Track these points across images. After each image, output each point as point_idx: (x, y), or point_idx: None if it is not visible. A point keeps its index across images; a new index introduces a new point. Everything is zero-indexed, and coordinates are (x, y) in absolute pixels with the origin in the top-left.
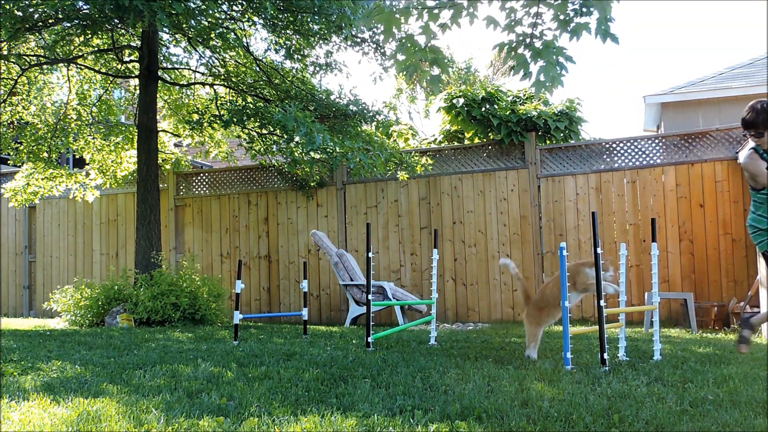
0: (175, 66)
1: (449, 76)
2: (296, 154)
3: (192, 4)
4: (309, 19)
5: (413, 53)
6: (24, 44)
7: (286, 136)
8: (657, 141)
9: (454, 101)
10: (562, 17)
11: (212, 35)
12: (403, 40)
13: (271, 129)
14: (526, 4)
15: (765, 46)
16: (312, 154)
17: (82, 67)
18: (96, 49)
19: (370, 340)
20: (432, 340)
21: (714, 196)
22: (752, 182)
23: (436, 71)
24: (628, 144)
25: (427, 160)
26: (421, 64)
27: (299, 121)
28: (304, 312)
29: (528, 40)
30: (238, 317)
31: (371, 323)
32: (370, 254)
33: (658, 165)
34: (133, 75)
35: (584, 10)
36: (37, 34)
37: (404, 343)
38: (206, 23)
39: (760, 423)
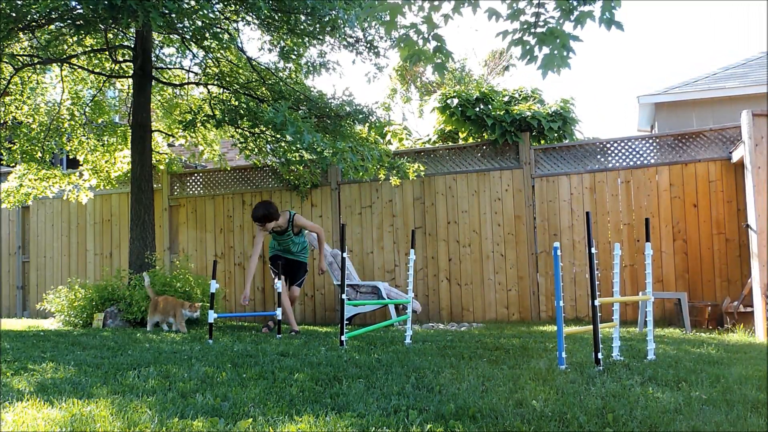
0: (169, 66)
1: (453, 64)
2: (289, 155)
3: (186, 4)
4: (302, 19)
5: (415, 43)
6: (17, 44)
7: (277, 136)
8: (651, 141)
9: (449, 101)
10: (564, 7)
11: (206, 35)
12: (407, 29)
13: (263, 129)
14: None
15: (765, 45)
16: (303, 153)
17: (76, 67)
18: (89, 49)
19: (343, 338)
20: (407, 339)
21: (708, 196)
22: None
23: (439, 60)
24: (622, 144)
25: (419, 166)
26: (425, 50)
27: (289, 120)
28: (278, 312)
29: (532, 29)
30: (212, 316)
31: (346, 322)
32: (345, 254)
33: (651, 165)
34: (126, 75)
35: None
36: (30, 33)
37: (373, 340)
38: (200, 23)
39: (753, 422)
